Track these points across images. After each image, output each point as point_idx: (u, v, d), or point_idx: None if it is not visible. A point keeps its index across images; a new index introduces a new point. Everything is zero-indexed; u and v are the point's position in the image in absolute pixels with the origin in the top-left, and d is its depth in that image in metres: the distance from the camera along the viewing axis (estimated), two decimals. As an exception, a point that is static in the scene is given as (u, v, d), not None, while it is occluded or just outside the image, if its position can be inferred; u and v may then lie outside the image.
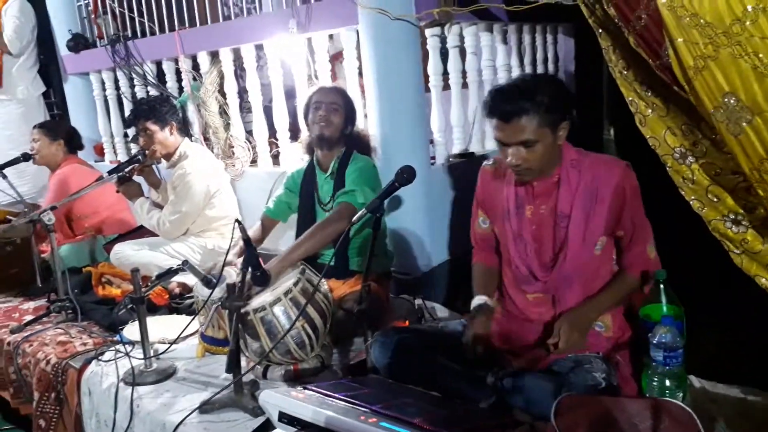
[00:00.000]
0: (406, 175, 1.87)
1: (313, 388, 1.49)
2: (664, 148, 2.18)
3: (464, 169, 2.95)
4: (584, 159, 1.81)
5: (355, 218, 1.93)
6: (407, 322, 2.34)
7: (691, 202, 2.14)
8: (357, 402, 1.38)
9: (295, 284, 2.00)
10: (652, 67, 1.98)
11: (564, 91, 1.78)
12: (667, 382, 1.61)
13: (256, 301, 1.94)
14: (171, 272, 2.10)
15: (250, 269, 1.92)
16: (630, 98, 2.25)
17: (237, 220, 1.87)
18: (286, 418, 1.40)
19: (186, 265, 2.03)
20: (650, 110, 2.22)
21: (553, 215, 1.81)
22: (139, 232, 3.39)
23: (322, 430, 1.33)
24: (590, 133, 2.98)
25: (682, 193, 2.16)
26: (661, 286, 1.73)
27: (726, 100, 1.69)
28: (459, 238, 2.94)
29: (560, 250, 1.80)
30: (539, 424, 1.47)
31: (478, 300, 1.92)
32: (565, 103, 1.74)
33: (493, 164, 1.98)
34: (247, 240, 1.92)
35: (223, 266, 2.01)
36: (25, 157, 3.53)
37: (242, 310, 1.87)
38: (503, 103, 1.66)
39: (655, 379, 1.62)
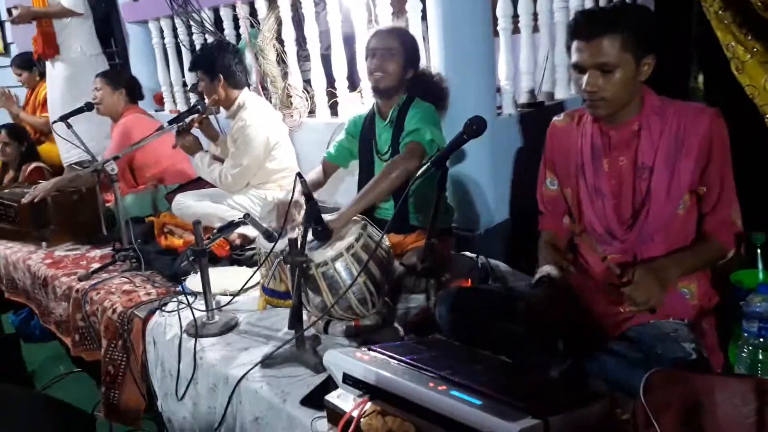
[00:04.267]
0: (475, 127, 1.74)
1: (378, 349, 1.43)
2: (763, 98, 1.98)
3: (533, 120, 2.79)
4: (669, 106, 1.64)
5: (418, 173, 1.83)
6: (470, 281, 2.26)
7: (791, 158, 1.96)
8: (424, 366, 1.31)
9: (357, 239, 1.93)
10: (753, 7, 1.78)
11: (654, 23, 1.61)
12: (760, 356, 1.48)
13: (318, 256, 1.90)
14: (233, 225, 2.07)
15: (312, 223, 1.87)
16: (726, 42, 2.04)
17: (298, 174, 1.80)
18: (350, 379, 1.35)
19: (248, 219, 1.99)
20: (749, 55, 2.01)
21: (633, 167, 1.66)
22: (200, 182, 3.40)
23: (387, 393, 1.27)
24: (674, 80, 2.73)
25: (781, 147, 1.97)
26: (758, 250, 1.59)
27: None
28: (524, 194, 2.80)
29: (642, 206, 1.65)
30: (620, 397, 1.37)
31: (541, 271, 1.79)
32: (654, 35, 1.58)
33: (564, 119, 1.84)
34: (308, 194, 1.86)
35: (285, 220, 1.96)
36: (89, 107, 3.55)
37: (304, 265, 1.83)
38: (587, 22, 1.57)
39: (746, 351, 1.49)
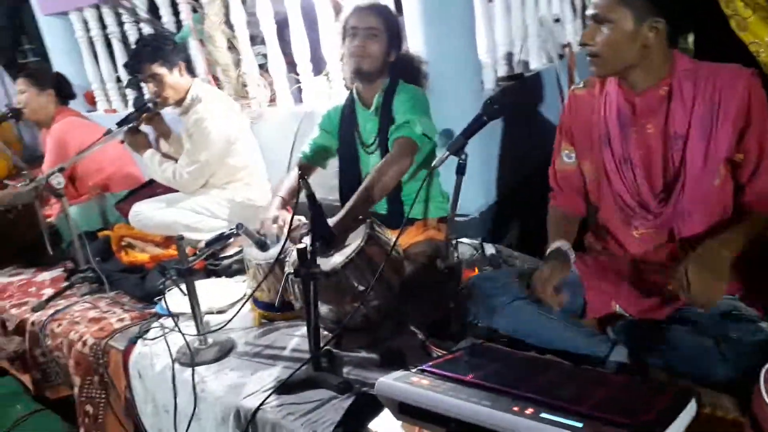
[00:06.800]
0: (497, 107, 1.59)
1: (433, 370, 1.26)
2: (768, 54, 1.92)
3: (515, 93, 2.65)
4: (700, 68, 1.52)
5: (435, 162, 1.68)
6: (476, 270, 2.12)
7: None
8: (496, 386, 1.16)
9: (366, 242, 1.75)
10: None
11: None
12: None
13: (325, 264, 1.70)
14: (223, 237, 1.83)
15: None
16: (726, -1, 1.97)
17: (302, 177, 1.59)
18: (410, 410, 1.18)
19: (241, 229, 1.76)
20: (751, 11, 1.94)
21: (662, 136, 1.54)
22: (151, 186, 3.08)
23: (461, 424, 1.11)
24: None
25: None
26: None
27: None
28: (513, 173, 2.69)
29: (675, 179, 1.54)
30: (701, 390, 1.25)
31: (554, 245, 1.67)
32: None
33: (585, 86, 1.71)
34: (311, 196, 1.65)
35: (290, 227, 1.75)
36: (14, 112, 3.15)
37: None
38: None
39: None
